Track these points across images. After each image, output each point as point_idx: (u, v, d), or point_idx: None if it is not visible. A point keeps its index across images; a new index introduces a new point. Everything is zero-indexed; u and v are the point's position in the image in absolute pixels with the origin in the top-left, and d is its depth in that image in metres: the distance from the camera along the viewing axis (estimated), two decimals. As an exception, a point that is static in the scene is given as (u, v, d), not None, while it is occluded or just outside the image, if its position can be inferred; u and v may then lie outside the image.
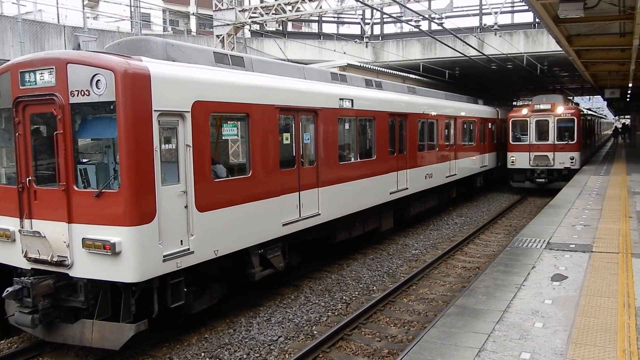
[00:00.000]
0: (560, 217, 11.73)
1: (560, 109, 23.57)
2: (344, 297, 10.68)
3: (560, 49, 18.71)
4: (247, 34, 29.95)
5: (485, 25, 27.13)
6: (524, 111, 24.56)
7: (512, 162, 24.46)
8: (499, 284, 7.30)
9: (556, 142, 23.68)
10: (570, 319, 6.02)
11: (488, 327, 5.81)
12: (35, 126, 8.21)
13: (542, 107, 23.88)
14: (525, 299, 6.70)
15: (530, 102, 25.06)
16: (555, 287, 7.14)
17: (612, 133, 79.30)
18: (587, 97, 57.75)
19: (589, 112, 39.77)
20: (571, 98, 45.71)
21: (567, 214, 12.16)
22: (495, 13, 23.49)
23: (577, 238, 9.76)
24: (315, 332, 8.95)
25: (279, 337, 8.75)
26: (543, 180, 23.66)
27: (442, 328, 5.86)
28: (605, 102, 53.28)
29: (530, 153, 23.96)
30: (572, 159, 23.33)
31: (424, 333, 6.52)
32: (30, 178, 7.84)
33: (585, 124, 27.45)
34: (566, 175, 22.84)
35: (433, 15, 21.65)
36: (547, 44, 26.43)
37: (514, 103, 50.86)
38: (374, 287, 11.38)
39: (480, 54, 23.75)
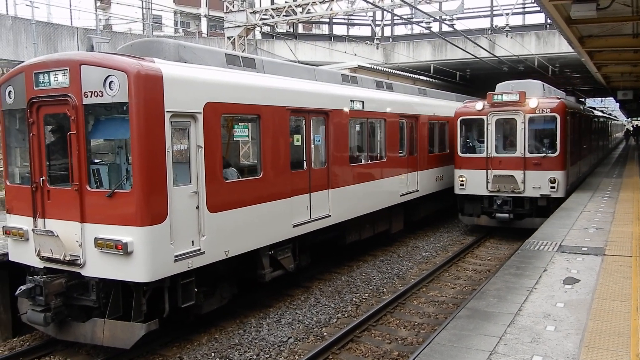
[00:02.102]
0: (572, 220, 11.64)
1: (534, 102, 14.74)
2: (353, 299, 10.66)
3: (572, 51, 18.57)
4: (258, 36, 30.04)
5: (496, 26, 27.01)
6: (479, 105, 15.49)
7: (461, 184, 15.77)
8: (510, 286, 7.25)
9: (528, 155, 14.81)
10: (583, 322, 5.97)
11: (499, 330, 5.77)
12: (49, 126, 8.29)
13: (505, 98, 15.09)
14: (537, 302, 6.65)
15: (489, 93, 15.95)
16: (567, 290, 7.08)
17: (624, 135, 78.19)
18: (600, 98, 57.26)
19: (588, 109, 26.55)
20: (583, 100, 45.17)
21: (579, 217, 12.06)
22: (507, 14, 23.43)
23: (589, 241, 9.68)
24: (325, 334, 8.95)
25: (289, 338, 8.75)
26: (506, 215, 14.99)
27: (453, 330, 5.83)
28: (618, 104, 52.83)
29: (488, 171, 15.19)
30: (552, 181, 14.52)
31: (435, 335, 6.50)
32: (43, 178, 7.92)
33: (578, 124, 18.31)
34: (544, 208, 14.70)
35: (444, 17, 21.60)
36: (558, 45, 26.27)
37: None
38: (384, 289, 11.36)
39: (491, 55, 23.65)
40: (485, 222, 15.77)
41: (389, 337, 8.84)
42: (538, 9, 18.62)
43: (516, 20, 30.09)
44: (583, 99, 46.08)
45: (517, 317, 6.16)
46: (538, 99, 15.02)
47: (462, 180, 15.81)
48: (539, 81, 17.11)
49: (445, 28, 27.44)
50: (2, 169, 11.79)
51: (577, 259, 8.58)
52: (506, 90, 15.82)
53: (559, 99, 15.34)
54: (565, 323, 5.95)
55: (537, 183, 14.76)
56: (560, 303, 6.59)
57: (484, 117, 15.47)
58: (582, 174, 19.92)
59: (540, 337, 5.58)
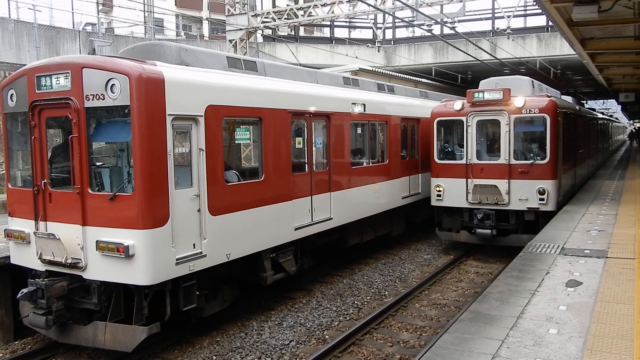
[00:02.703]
0: (574, 222, 11.61)
1: (520, 101, 12.88)
2: (355, 302, 10.64)
3: (574, 53, 18.55)
4: (260, 39, 30.10)
5: (497, 29, 27.03)
6: (457, 105, 13.63)
7: (438, 195, 13.87)
8: (512, 289, 7.23)
9: (513, 162, 12.96)
10: (586, 325, 5.95)
11: (502, 333, 5.75)
12: (51, 130, 8.30)
13: (487, 96, 13.22)
14: (540, 305, 6.62)
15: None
16: (569, 293, 7.06)
17: (628, 137, 77.82)
18: (601, 100, 57.21)
19: (585, 109, 24.49)
20: (584, 102, 45.10)
21: (581, 219, 12.03)
22: (508, 17, 23.41)
23: (591, 243, 9.65)
24: (326, 337, 8.93)
25: (291, 341, 8.74)
26: (488, 231, 13.13)
27: (455, 334, 5.81)
28: (620, 106, 52.77)
29: (469, 180, 13.34)
30: (541, 192, 12.68)
31: (437, 338, 6.48)
32: (45, 181, 7.93)
33: (573, 126, 16.56)
34: (532, 223, 12.96)
35: (445, 19, 21.60)
36: (560, 47, 26.26)
37: None
38: (386, 292, 11.33)
39: (492, 57, 23.64)
40: (465, 238, 13.82)
41: (391, 340, 8.82)
42: (539, 11, 18.62)
43: (517, 23, 30.12)
44: (585, 101, 46.02)
45: (520, 320, 6.14)
46: (525, 97, 12.95)
47: (439, 191, 13.80)
48: (528, 77, 15.09)
49: (446, 31, 27.45)
50: (4, 171, 11.81)
51: (579, 261, 8.55)
52: (489, 87, 13.72)
53: (549, 97, 13.23)
54: (568, 326, 5.92)
55: (523, 194, 12.82)
56: (563, 306, 6.56)
57: (464, 118, 13.47)
58: (578, 182, 17.69)
59: (543, 340, 5.56)
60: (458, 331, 5.88)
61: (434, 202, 13.98)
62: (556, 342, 5.49)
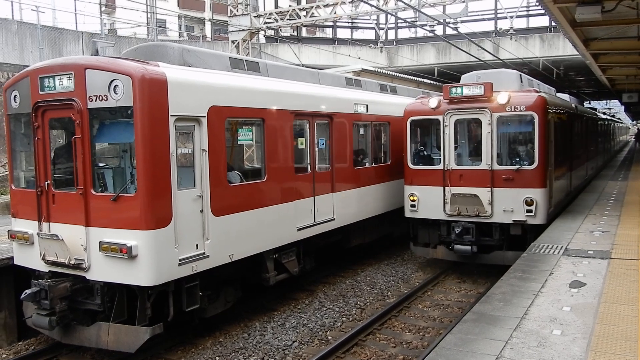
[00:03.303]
0: (577, 223, 11.57)
1: (503, 97, 11.15)
2: (358, 303, 10.63)
3: (577, 53, 18.54)
4: (262, 39, 30.12)
5: (500, 29, 27.01)
6: (433, 102, 11.97)
7: (412, 205, 12.24)
8: (516, 290, 7.21)
9: (496, 167, 11.31)
10: (590, 326, 5.93)
11: (505, 334, 5.73)
12: (54, 131, 8.31)
13: (466, 92, 11.52)
14: (543, 305, 6.60)
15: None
16: (573, 294, 7.03)
17: (635, 137, 77.22)
18: (604, 101, 57.10)
19: (584, 108, 21.84)
20: (588, 102, 44.97)
21: (584, 220, 11.99)
22: (511, 17, 23.38)
23: (595, 244, 9.62)
24: (329, 338, 8.92)
25: (294, 342, 8.73)
26: (467, 247, 11.45)
27: (458, 334, 5.79)
28: (623, 107, 52.66)
29: (446, 189, 11.74)
30: (529, 203, 11.02)
31: (441, 339, 6.47)
32: (48, 182, 7.94)
33: (569, 126, 14.85)
34: (519, 238, 11.34)
35: (448, 20, 21.60)
36: (563, 48, 26.24)
37: None
38: (389, 293, 11.32)
39: (495, 58, 23.62)
40: (443, 255, 12.18)
41: (394, 341, 8.80)
42: (542, 11, 18.59)
43: (520, 23, 30.12)
44: (588, 102, 45.91)
45: (523, 321, 6.12)
46: (510, 93, 11.24)
47: (413, 200, 12.15)
48: (515, 71, 13.50)
49: (449, 31, 27.46)
50: (7, 173, 11.83)
51: (583, 262, 8.52)
52: (469, 83, 11.93)
53: (537, 92, 11.51)
54: (572, 327, 5.90)
55: (508, 205, 11.11)
56: (566, 307, 6.54)
57: (440, 117, 11.79)
58: (574, 190, 15.81)
59: (547, 341, 5.54)
60: (461, 332, 5.86)
61: (407, 214, 12.37)
62: (560, 343, 5.47)
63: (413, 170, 12.36)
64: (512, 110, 11.17)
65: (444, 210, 11.76)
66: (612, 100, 55.41)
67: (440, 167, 11.88)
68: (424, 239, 12.53)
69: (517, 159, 11.51)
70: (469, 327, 6.01)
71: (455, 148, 11.88)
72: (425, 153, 12.78)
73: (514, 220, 11.19)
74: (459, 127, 11.98)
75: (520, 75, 13.16)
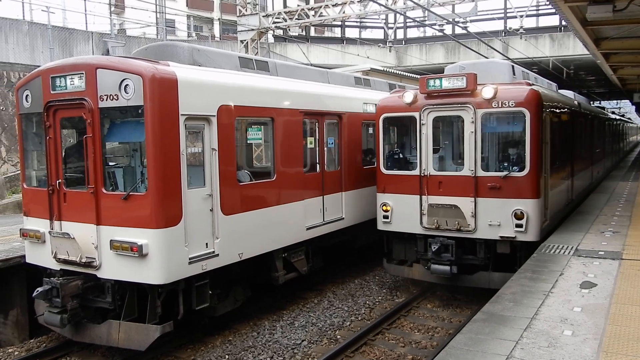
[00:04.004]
0: (588, 224, 11.49)
1: (489, 91, 9.49)
2: (367, 302, 10.63)
3: (587, 53, 18.39)
4: (271, 39, 30.16)
5: (510, 28, 26.85)
6: (408, 97, 10.24)
7: (385, 216, 10.62)
8: (526, 290, 7.17)
9: (481, 173, 9.69)
10: (601, 327, 5.89)
11: (516, 334, 5.71)
12: (65, 130, 8.38)
13: (446, 84, 9.86)
14: (554, 306, 6.57)
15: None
16: (584, 294, 6.99)
17: None
18: (615, 101, 56.66)
19: (588, 105, 19.70)
20: (599, 102, 44.60)
21: (595, 221, 11.91)
22: (521, 16, 23.23)
23: (606, 245, 9.54)
24: (338, 337, 8.93)
25: (303, 341, 8.74)
26: (446, 268, 9.79)
27: (468, 334, 5.78)
28: (634, 107, 52.23)
29: (423, 198, 10.13)
30: (519, 216, 9.42)
31: (451, 339, 6.45)
32: (60, 181, 8.00)
33: (570, 125, 13.19)
34: (507, 257, 9.76)
35: (457, 19, 21.52)
36: (573, 47, 26.07)
37: None
38: (398, 292, 11.30)
39: (504, 57, 23.49)
40: (419, 275, 10.57)
41: (403, 341, 8.79)
42: (552, 10, 18.47)
43: (530, 23, 29.95)
44: (598, 101, 45.56)
45: (534, 321, 6.09)
46: (497, 86, 9.53)
47: (387, 211, 10.52)
48: (507, 62, 11.99)
49: (458, 30, 27.36)
50: (19, 171, 11.94)
51: (594, 262, 8.47)
52: (451, 74, 10.09)
53: (530, 85, 9.86)
54: (583, 328, 5.87)
55: (495, 218, 9.49)
56: (577, 307, 6.50)
57: (416, 115, 10.12)
58: (576, 197, 14.00)
59: (558, 341, 5.51)
60: (471, 332, 5.84)
61: (380, 226, 10.73)
62: (571, 344, 5.44)
63: (386, 175, 10.64)
64: (500, 106, 9.46)
65: (421, 222, 10.08)
66: (622, 100, 54.98)
67: (416, 172, 10.21)
68: (399, 255, 10.87)
69: (506, 164, 9.85)
70: (479, 327, 5.99)
71: (435, 150, 10.32)
72: (401, 156, 11.24)
73: (501, 237, 9.50)
74: (438, 125, 10.50)
75: (513, 66, 11.41)
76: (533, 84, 10.19)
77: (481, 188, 9.59)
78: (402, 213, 10.36)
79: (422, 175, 10.11)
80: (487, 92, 9.47)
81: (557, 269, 8.11)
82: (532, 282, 7.55)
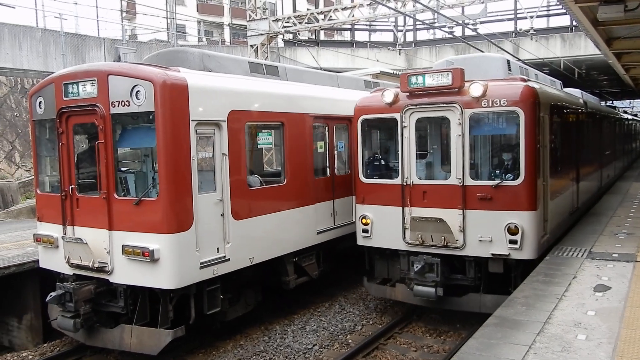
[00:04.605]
0: (601, 226, 11.37)
1: (477, 88, 8.44)
2: (378, 306, 10.59)
3: (599, 53, 18.21)
4: (280, 43, 30.26)
5: (520, 29, 26.72)
6: (388, 96, 9.23)
7: (365, 230, 9.58)
8: (538, 294, 7.11)
9: (469, 182, 8.65)
10: (615, 331, 5.82)
11: (528, 339, 5.66)
12: (78, 136, 8.46)
13: (429, 82, 8.84)
14: (567, 310, 6.50)
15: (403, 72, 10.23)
16: (598, 297, 6.92)
17: None
18: (628, 100, 56.07)
19: (595, 104, 18.07)
20: (611, 102, 44.15)
21: (608, 222, 11.78)
22: (531, 17, 23.09)
23: (620, 247, 9.44)
24: (350, 341, 8.91)
25: (314, 345, 8.74)
26: (431, 289, 8.72)
27: (481, 339, 5.74)
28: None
29: (406, 209, 9.13)
30: (512, 231, 8.35)
31: (463, 343, 6.41)
32: (72, 186, 8.08)
33: (574, 126, 12.19)
34: (501, 277, 8.74)
35: (467, 21, 21.43)
36: (584, 47, 25.86)
37: None
38: (409, 296, 11.25)
39: (515, 59, 23.36)
40: (403, 296, 9.39)
41: (414, 345, 8.75)
42: (563, 11, 18.33)
43: (541, 23, 29.77)
44: (611, 101, 45.10)
45: (547, 325, 6.04)
46: (487, 82, 8.53)
47: (366, 224, 9.49)
48: (500, 55, 10.82)
49: (468, 32, 27.26)
50: (32, 177, 12.07)
51: (607, 265, 8.37)
52: (435, 70, 9.02)
53: (524, 81, 8.75)
54: (597, 332, 5.81)
55: (485, 233, 8.43)
56: (591, 311, 6.43)
57: (397, 116, 9.11)
58: (582, 206, 12.70)
59: (571, 346, 5.46)
60: (483, 336, 5.80)
61: (359, 241, 9.70)
62: (585, 348, 5.39)
63: (365, 184, 9.58)
64: (490, 105, 8.41)
65: (404, 237, 9.05)
66: (636, 100, 54.39)
67: (398, 181, 9.16)
68: (382, 273, 9.84)
69: (498, 172, 8.86)
70: (491, 331, 5.94)
71: (419, 156, 9.32)
72: (382, 162, 10.12)
73: (493, 254, 8.44)
74: (423, 128, 9.60)
75: (508, 61, 10.19)
76: (529, 80, 9.12)
77: (470, 199, 8.55)
78: (383, 227, 9.30)
79: (405, 184, 9.06)
80: (475, 89, 8.42)
81: (571, 272, 8.04)
82: (545, 285, 7.49)
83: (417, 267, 8.68)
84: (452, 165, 8.72)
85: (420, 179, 9.08)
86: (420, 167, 9.35)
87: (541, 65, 26.16)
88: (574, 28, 26.71)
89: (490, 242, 8.45)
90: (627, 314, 6.33)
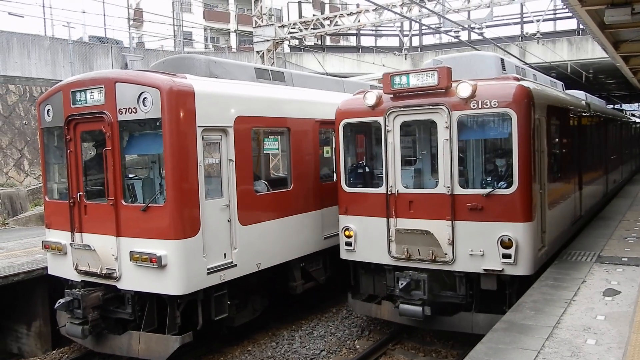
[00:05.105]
0: (610, 230, 11.29)
1: (465, 89, 7.73)
2: (386, 311, 10.55)
3: (606, 56, 18.14)
4: (286, 49, 30.36)
5: (527, 33, 26.66)
6: (370, 98, 8.53)
7: (348, 243, 8.92)
8: (547, 298, 7.06)
9: (458, 191, 7.93)
10: (625, 335, 5.77)
11: (537, 344, 5.61)
12: (86, 143, 8.52)
13: (414, 82, 8.12)
14: (576, 314, 6.45)
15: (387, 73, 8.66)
16: (607, 302, 6.86)
17: None
18: (636, 104, 55.75)
19: (597, 106, 15.89)
20: (619, 105, 43.94)
21: (617, 226, 11.70)
22: (538, 21, 23.04)
23: (629, 251, 9.37)
24: (357, 347, 8.88)
25: (322, 350, 8.72)
26: (418, 308, 7.91)
27: (489, 344, 5.70)
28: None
29: (390, 220, 8.42)
30: (506, 244, 7.59)
31: (471, 348, 6.37)
32: (80, 193, 8.12)
33: (577, 130, 11.47)
34: (494, 295, 7.93)
35: (473, 25, 21.42)
36: (592, 50, 25.76)
37: None
38: (417, 301, 11.19)
39: (522, 62, 23.30)
40: (389, 315, 8.71)
41: (422, 350, 8.71)
42: (570, 15, 18.27)
43: (547, 27, 29.70)
44: (619, 104, 44.85)
45: (556, 330, 5.99)
46: (476, 82, 7.82)
47: (349, 236, 8.84)
48: (494, 54, 9.92)
49: (474, 36, 27.21)
50: (41, 184, 12.15)
51: (617, 269, 8.31)
52: (419, 69, 8.25)
53: (518, 80, 8.11)
54: (607, 336, 5.75)
55: (476, 246, 7.75)
56: (600, 315, 6.38)
57: (380, 119, 8.46)
58: (585, 214, 11.89)
59: (581, 351, 5.41)
60: (492, 341, 5.77)
61: (343, 255, 9.07)
62: (594, 353, 5.34)
63: (348, 194, 8.94)
64: (480, 106, 7.72)
65: (389, 251, 8.39)
66: (644, 103, 54.06)
67: (382, 190, 8.50)
68: (367, 289, 9.08)
69: (489, 179, 8.18)
70: (500, 336, 5.91)
71: (407, 162, 8.82)
72: (367, 170, 9.42)
73: (485, 270, 7.74)
74: (411, 132, 9.02)
75: (502, 59, 9.45)
76: (523, 79, 8.51)
77: (459, 209, 7.85)
78: (367, 239, 8.65)
79: (389, 193, 8.39)
80: (463, 89, 7.74)
81: (579, 276, 7.98)
82: (554, 289, 7.43)
83: (402, 283, 7.96)
84: (440, 173, 8.04)
85: (407, 187, 8.41)
86: (408, 174, 8.74)
87: (548, 69, 26.04)
88: (580, 31, 26.61)
89: (482, 257, 7.74)
90: (637, 318, 6.27)
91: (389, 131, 8.39)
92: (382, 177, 8.52)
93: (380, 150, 8.55)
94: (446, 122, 7.89)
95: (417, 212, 8.18)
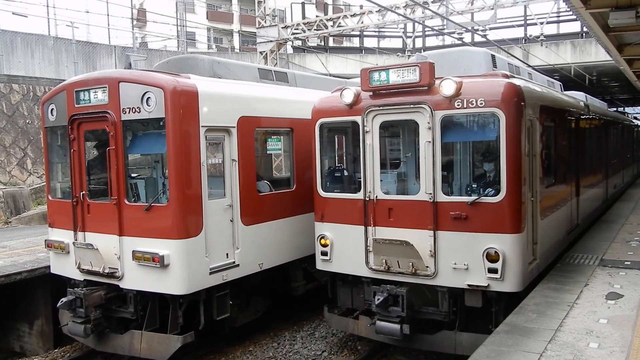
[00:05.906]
0: (613, 233, 11.27)
1: (449, 86, 7.03)
2: (387, 313, 10.54)
3: (610, 59, 18.12)
4: (290, 50, 30.38)
5: (530, 36, 26.65)
6: (348, 96, 7.88)
7: (324, 252, 8.24)
8: (550, 301, 7.04)
9: (441, 198, 7.23)
10: (628, 339, 5.75)
11: (540, 347, 5.60)
12: (89, 142, 8.54)
13: (394, 78, 7.41)
14: (579, 317, 6.44)
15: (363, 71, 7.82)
16: (610, 305, 6.84)
17: None
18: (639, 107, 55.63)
19: (596, 107, 14.76)
20: (623, 108, 43.83)
21: (620, 230, 11.67)
22: (541, 23, 23.02)
23: (632, 255, 9.34)
24: (359, 347, 8.87)
25: (323, 351, 8.71)
26: (396, 325, 7.30)
27: (491, 346, 5.69)
28: (659, 113, 51.18)
29: (368, 229, 7.76)
30: (492, 257, 6.89)
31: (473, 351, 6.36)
32: (83, 192, 8.14)
33: (574, 133, 10.62)
34: (479, 312, 7.31)
35: (476, 27, 21.40)
36: (595, 53, 25.71)
37: None
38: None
39: (525, 64, 23.28)
40: (367, 331, 8.04)
41: (424, 352, 8.69)
42: (573, 17, 18.25)
43: (551, 29, 29.66)
44: (622, 108, 44.75)
45: (558, 333, 5.98)
46: (461, 79, 7.20)
47: (325, 245, 8.23)
48: (484, 49, 9.14)
49: (477, 38, 27.18)
50: (44, 183, 12.18)
51: (619, 273, 8.29)
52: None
53: (507, 77, 7.37)
54: (609, 340, 5.74)
55: (460, 259, 7.12)
56: (603, 319, 6.36)
57: (358, 119, 7.83)
58: (582, 222, 11.18)
59: (583, 354, 5.40)
60: (494, 344, 5.76)
61: (319, 265, 8.43)
62: (597, 357, 5.33)
63: (324, 199, 8.29)
64: (465, 105, 7.05)
65: (367, 262, 7.75)
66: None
67: (360, 195, 7.86)
68: (345, 301, 8.45)
69: (475, 186, 7.50)
70: (502, 338, 5.89)
71: (390, 166, 8.34)
72: (345, 173, 8.90)
73: (469, 285, 7.09)
74: (394, 133, 8.47)
75: (493, 56, 8.74)
76: (513, 77, 7.73)
77: (442, 218, 7.18)
78: (344, 249, 8.02)
79: (367, 199, 7.74)
80: (447, 87, 7.07)
81: (582, 280, 7.96)
82: (556, 292, 7.42)
83: (378, 299, 7.29)
84: (422, 178, 7.37)
85: (387, 193, 7.75)
86: (390, 179, 8.13)
87: (551, 72, 26.01)
88: (584, 34, 26.59)
89: (466, 270, 7.07)
90: (639, 322, 6.27)
91: (367, 132, 7.73)
92: (360, 181, 7.91)
93: (359, 152, 7.89)
94: (428, 123, 7.24)
95: (397, 221, 7.54)
